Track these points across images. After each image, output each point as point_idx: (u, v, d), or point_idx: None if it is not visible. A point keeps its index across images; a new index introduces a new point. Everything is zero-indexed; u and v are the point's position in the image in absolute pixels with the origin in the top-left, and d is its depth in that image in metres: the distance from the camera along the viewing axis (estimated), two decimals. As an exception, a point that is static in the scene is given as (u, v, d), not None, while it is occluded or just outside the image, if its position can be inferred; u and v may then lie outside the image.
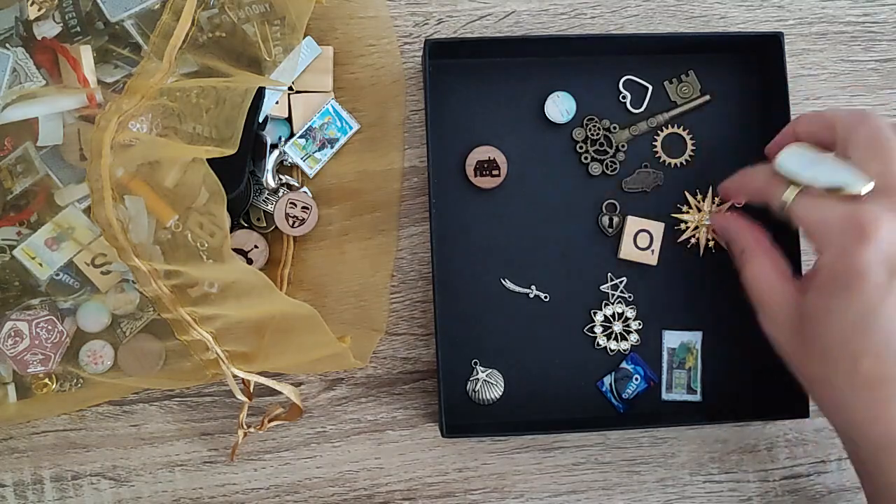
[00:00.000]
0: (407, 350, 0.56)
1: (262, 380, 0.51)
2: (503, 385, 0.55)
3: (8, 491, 0.54)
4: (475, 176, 0.55)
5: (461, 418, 0.54)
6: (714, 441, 0.57)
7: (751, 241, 0.50)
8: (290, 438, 0.55)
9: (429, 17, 0.57)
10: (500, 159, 0.55)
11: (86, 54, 0.49)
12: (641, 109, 0.57)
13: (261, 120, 0.53)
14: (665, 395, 0.56)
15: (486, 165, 0.55)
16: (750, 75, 0.57)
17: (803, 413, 0.53)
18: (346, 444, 0.55)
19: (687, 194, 0.57)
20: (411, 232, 0.56)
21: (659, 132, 0.57)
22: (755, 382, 0.56)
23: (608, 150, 0.56)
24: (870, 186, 0.43)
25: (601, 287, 0.56)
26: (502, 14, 0.57)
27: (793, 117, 0.54)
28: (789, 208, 0.46)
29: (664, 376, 0.56)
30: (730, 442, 0.57)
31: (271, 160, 0.54)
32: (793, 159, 0.47)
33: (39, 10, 0.50)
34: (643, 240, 0.56)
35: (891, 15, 0.60)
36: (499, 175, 0.55)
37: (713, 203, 0.56)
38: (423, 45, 0.53)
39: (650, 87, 0.57)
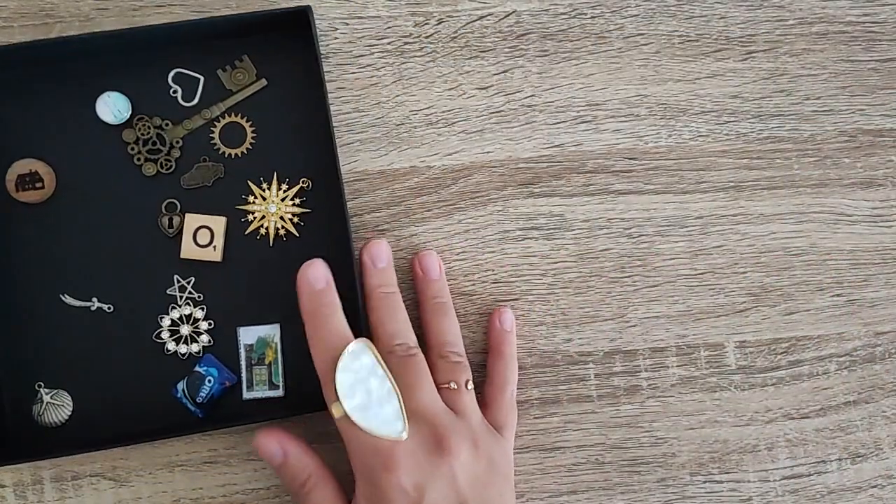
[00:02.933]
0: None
1: None
2: (72, 405, 0.54)
3: (8, 491, 0.54)
4: (17, 191, 0.53)
5: (30, 444, 0.53)
6: (714, 441, 0.57)
7: (318, 467, 0.51)
8: (290, 438, 0.55)
9: (429, 17, 0.57)
10: (44, 171, 0.53)
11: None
12: (195, 102, 0.55)
13: None
14: (247, 394, 0.54)
15: (27, 179, 0.53)
16: (297, 55, 0.55)
17: None
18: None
19: (251, 184, 0.55)
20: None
21: (216, 123, 0.55)
22: None
23: (162, 148, 0.54)
24: (404, 436, 0.48)
25: (168, 291, 0.54)
26: (502, 14, 0.57)
27: (329, 99, 0.53)
28: (336, 420, 0.49)
29: (244, 374, 0.54)
30: (730, 442, 0.57)
31: None
32: (348, 376, 0.48)
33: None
34: (203, 236, 0.54)
35: (891, 15, 0.60)
36: (43, 187, 0.53)
37: (279, 190, 0.55)
38: None
39: (202, 78, 0.55)
